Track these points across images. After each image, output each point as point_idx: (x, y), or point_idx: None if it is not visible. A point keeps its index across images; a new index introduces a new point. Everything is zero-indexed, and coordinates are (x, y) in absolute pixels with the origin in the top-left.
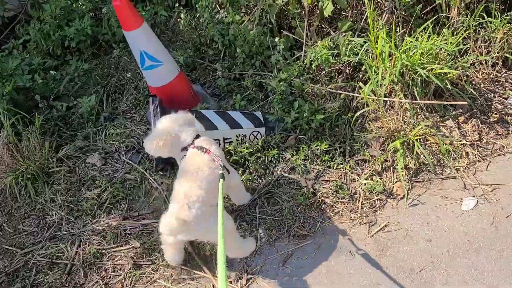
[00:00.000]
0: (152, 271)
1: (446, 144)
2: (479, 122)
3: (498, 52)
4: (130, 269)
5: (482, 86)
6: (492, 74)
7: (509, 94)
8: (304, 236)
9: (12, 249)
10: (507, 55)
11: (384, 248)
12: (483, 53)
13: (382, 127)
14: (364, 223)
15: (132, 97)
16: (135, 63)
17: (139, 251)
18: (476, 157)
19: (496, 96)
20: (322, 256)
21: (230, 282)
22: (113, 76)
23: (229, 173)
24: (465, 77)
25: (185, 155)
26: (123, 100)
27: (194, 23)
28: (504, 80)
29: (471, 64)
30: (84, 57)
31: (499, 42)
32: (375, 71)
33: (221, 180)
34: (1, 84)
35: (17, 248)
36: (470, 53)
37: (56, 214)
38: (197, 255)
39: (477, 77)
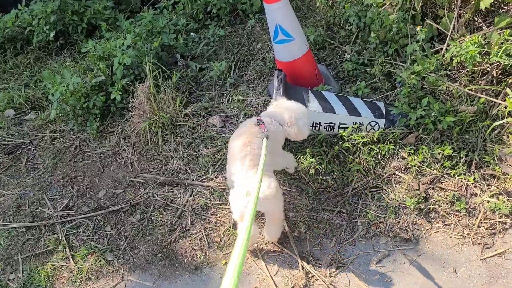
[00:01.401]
0: None
1: None
2: None
3: None
4: (230, 227)
5: None
6: None
7: None
8: (406, 240)
9: (137, 184)
10: None
11: (496, 275)
12: None
13: None
14: (478, 243)
15: (258, 68)
16: (267, 35)
17: None
18: None
19: None
20: (421, 265)
21: (319, 265)
22: (244, 45)
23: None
24: None
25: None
26: (249, 70)
27: (331, 1)
28: None
29: None
30: (222, 23)
31: None
32: None
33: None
34: (150, 39)
35: (141, 185)
36: None
37: (176, 163)
38: (291, 234)
39: None
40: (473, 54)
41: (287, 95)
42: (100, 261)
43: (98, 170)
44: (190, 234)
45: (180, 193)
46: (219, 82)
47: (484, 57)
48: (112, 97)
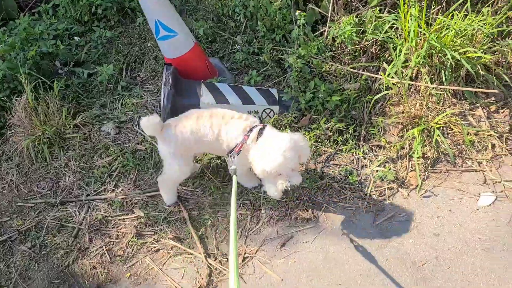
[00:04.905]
0: (153, 241)
1: (470, 134)
2: None
3: None
4: (132, 237)
5: None
6: None
7: None
8: (307, 220)
9: (26, 209)
10: None
11: (387, 238)
12: None
13: (403, 112)
14: (371, 211)
15: (151, 67)
16: None
17: (143, 221)
18: (503, 150)
19: None
20: (321, 241)
21: (227, 259)
22: (135, 45)
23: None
24: (504, 62)
25: None
26: (142, 70)
27: None
28: None
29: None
30: (111, 24)
31: None
32: (400, 51)
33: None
34: (26, 48)
35: (30, 209)
36: None
37: (68, 179)
38: (196, 233)
39: None
40: (350, 34)
41: (178, 89)
42: None
43: None
44: (90, 252)
45: (75, 210)
46: (110, 86)
47: (362, 35)
48: None
